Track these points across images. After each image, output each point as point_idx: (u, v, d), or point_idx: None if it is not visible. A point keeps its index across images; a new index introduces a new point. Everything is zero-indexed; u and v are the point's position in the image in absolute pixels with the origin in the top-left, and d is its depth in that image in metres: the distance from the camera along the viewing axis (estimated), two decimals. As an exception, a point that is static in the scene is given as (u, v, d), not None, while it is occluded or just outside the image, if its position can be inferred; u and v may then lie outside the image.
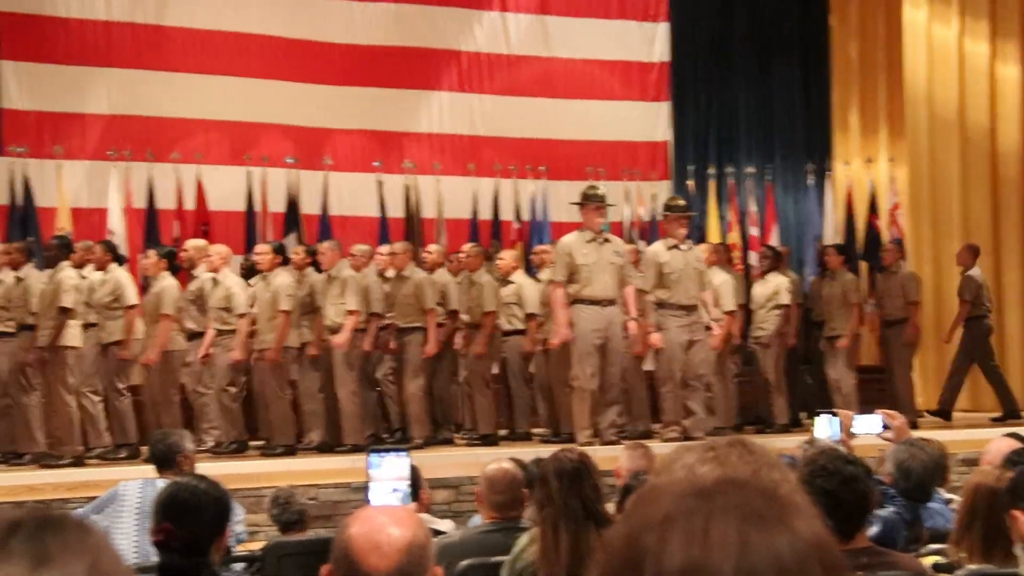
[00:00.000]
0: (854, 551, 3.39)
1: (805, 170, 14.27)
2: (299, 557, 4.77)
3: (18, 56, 11.92)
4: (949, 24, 12.93)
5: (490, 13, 13.91)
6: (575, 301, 9.29)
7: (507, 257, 10.77)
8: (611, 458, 6.16)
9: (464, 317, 10.44)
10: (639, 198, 13.87)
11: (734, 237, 13.49)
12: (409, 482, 4.12)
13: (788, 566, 0.97)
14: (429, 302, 9.91)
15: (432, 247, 11.01)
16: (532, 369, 10.56)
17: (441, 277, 10.40)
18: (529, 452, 6.36)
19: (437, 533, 4.80)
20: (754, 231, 13.69)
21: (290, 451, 9.50)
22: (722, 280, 10.66)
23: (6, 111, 11.88)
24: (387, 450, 3.96)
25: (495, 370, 10.63)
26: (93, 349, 9.46)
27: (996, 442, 5.22)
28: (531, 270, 11.26)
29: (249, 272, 10.47)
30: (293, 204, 12.48)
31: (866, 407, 7.55)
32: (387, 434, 10.38)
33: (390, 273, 10.32)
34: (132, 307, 9.45)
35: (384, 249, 10.72)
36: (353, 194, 13.14)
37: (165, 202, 12.01)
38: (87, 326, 9.43)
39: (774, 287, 10.97)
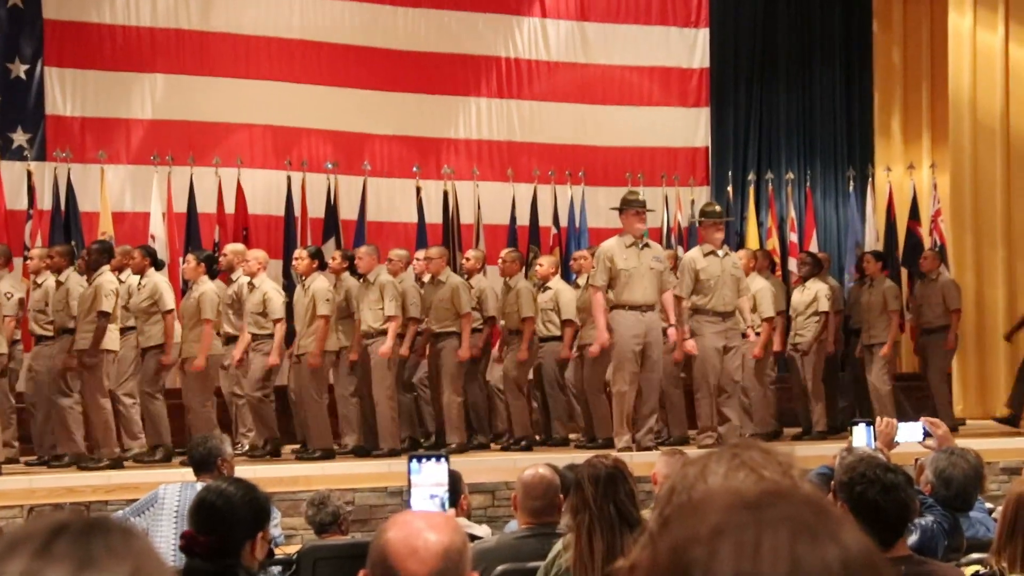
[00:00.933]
0: (894, 560, 3.35)
1: (846, 176, 14.19)
2: (334, 561, 4.78)
3: (63, 63, 12.06)
4: (995, 30, 12.81)
5: (530, 19, 13.92)
6: (615, 307, 9.28)
7: (545, 263, 10.77)
8: (649, 464, 6.14)
9: (501, 322, 10.45)
10: (678, 204, 13.83)
11: (773, 243, 13.42)
12: (448, 488, 4.13)
13: None
14: (464, 307, 9.92)
15: (470, 253, 11.02)
16: (568, 375, 10.55)
17: (479, 283, 10.41)
18: (565, 458, 6.34)
19: (474, 538, 4.80)
20: (793, 237, 13.61)
21: (328, 455, 9.53)
22: (761, 286, 10.61)
23: (50, 117, 12.00)
24: (427, 456, 3.97)
25: (530, 376, 10.63)
26: (131, 353, 9.53)
27: (1038, 451, 5.16)
28: (569, 276, 11.24)
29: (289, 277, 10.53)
30: (332, 209, 12.53)
31: (904, 415, 7.50)
32: (423, 438, 10.39)
33: (426, 278, 10.33)
34: (170, 312, 9.51)
35: (420, 254, 10.75)
36: (391, 199, 13.19)
37: (206, 206, 12.09)
38: (124, 330, 9.51)
39: (813, 294, 10.91)
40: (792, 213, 13.81)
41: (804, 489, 1.07)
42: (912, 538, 3.98)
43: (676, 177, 14.00)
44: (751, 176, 14.10)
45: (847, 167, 14.27)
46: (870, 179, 13.99)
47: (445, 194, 12.99)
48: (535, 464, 4.65)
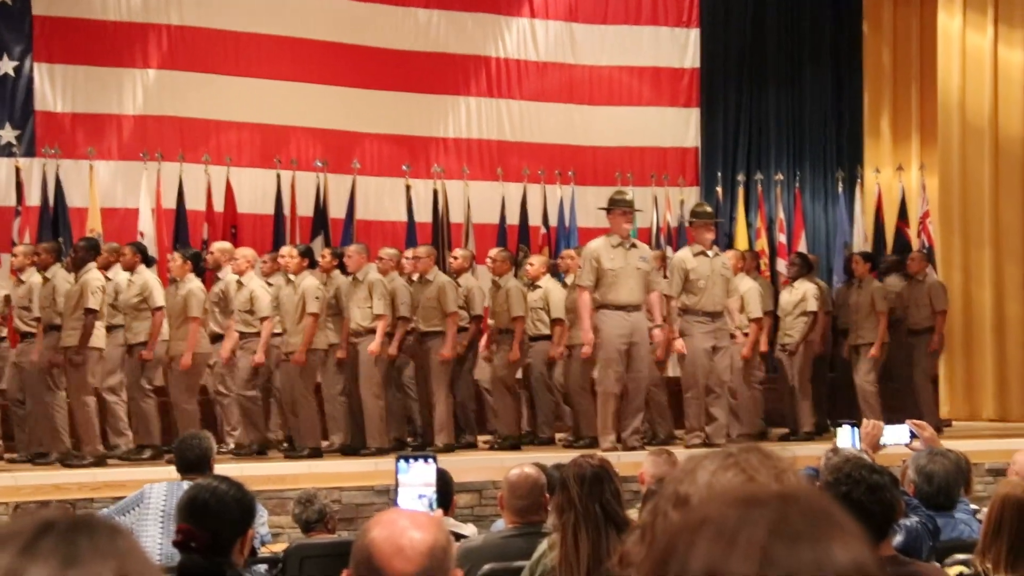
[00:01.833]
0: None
1: (835, 177, 14.22)
2: (321, 559, 4.77)
3: (52, 58, 12.03)
4: (984, 32, 12.85)
5: (519, 20, 13.93)
6: (600, 306, 9.28)
7: (535, 262, 10.77)
8: (635, 464, 6.15)
9: (490, 321, 10.45)
10: (668, 204, 13.85)
11: (762, 244, 13.44)
12: (437, 489, 4.13)
13: None
14: (451, 305, 9.91)
15: (458, 252, 11.02)
16: (556, 374, 10.56)
17: (466, 282, 10.41)
18: (553, 457, 6.35)
19: (460, 537, 4.80)
20: (782, 238, 13.64)
21: (316, 453, 9.52)
22: (749, 287, 10.63)
23: (39, 113, 11.98)
24: (415, 456, 3.97)
25: (519, 375, 10.64)
26: (117, 350, 9.52)
27: (1022, 452, 5.18)
28: (558, 275, 11.25)
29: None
30: (321, 207, 12.53)
31: (890, 416, 7.52)
32: (411, 437, 10.38)
33: (415, 277, 10.33)
34: (159, 309, 9.50)
35: (408, 253, 10.74)
36: (381, 198, 13.19)
37: (195, 203, 12.08)
38: (111, 327, 9.49)
39: (801, 294, 10.93)
40: (781, 214, 13.84)
41: (804, 494, 1.07)
42: (897, 539, 3.99)
43: (666, 177, 14.01)
44: (741, 176, 14.13)
45: (836, 168, 14.30)
46: (859, 180, 14.02)
47: (435, 193, 12.99)
48: (521, 463, 4.65)
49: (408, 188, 13.00)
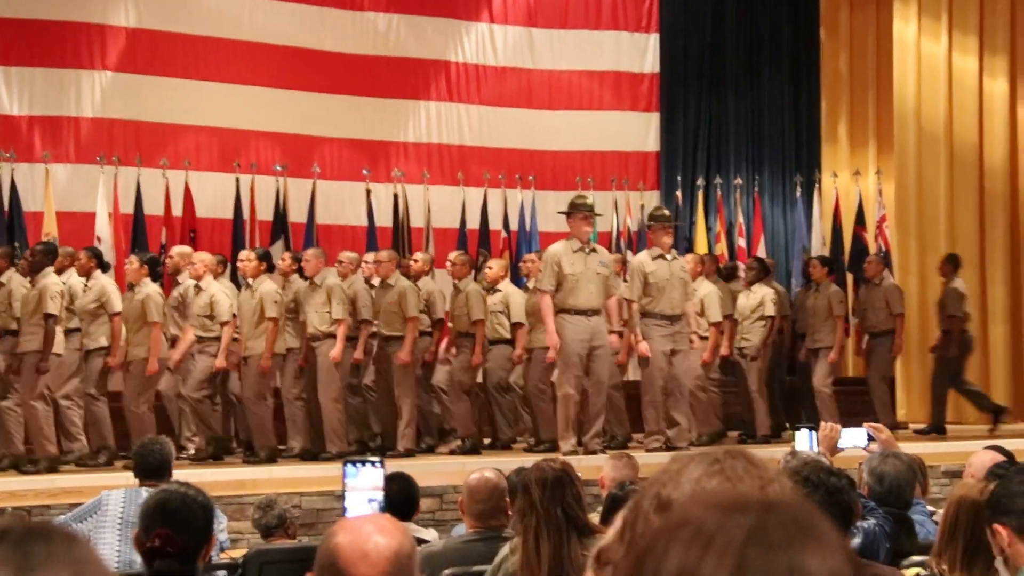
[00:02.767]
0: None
1: (794, 182, 14.32)
2: (281, 565, 4.74)
3: (8, 60, 11.91)
4: (938, 39, 12.99)
5: (478, 25, 13.94)
6: (560, 311, 9.29)
7: (495, 266, 10.78)
8: (596, 467, 6.16)
9: (449, 325, 10.45)
10: (628, 208, 13.90)
11: (722, 248, 13.52)
12: (384, 491, 4.12)
13: None
14: (412, 310, 9.89)
15: (418, 255, 11.00)
16: (513, 379, 10.57)
17: (427, 285, 10.40)
18: (514, 461, 6.35)
19: (421, 542, 4.79)
20: (741, 242, 13.72)
21: (272, 457, 9.47)
22: (708, 291, 10.68)
23: (-6, 115, 11.86)
24: (363, 461, 3.95)
25: (479, 379, 10.65)
26: (72, 355, 9.43)
27: (979, 454, 5.24)
28: (519, 280, 11.26)
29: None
30: (281, 212, 12.48)
31: (848, 419, 7.57)
32: (371, 441, 10.34)
33: (375, 281, 10.31)
34: (117, 314, 9.42)
35: (369, 257, 10.72)
36: (341, 202, 13.16)
37: (153, 208, 11.99)
38: (68, 332, 9.40)
39: (759, 298, 11.00)
40: (740, 218, 13.93)
41: (786, 503, 1.08)
42: (855, 541, 4.03)
43: (626, 181, 14.07)
44: (700, 181, 14.21)
45: (795, 173, 14.41)
46: (817, 185, 14.13)
47: (395, 197, 12.98)
48: (482, 468, 4.65)
49: (368, 192, 12.98)
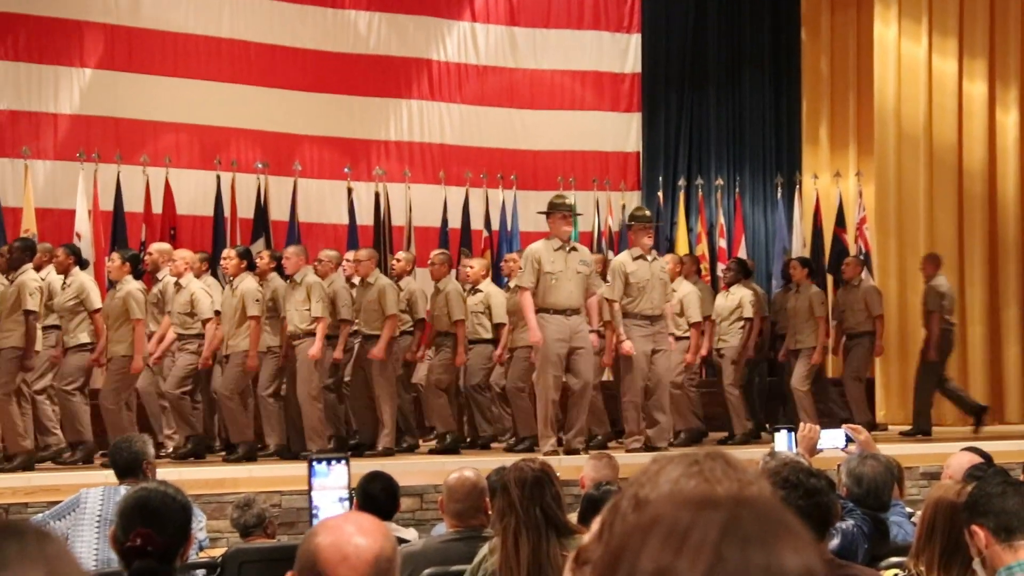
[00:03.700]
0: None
1: (775, 183, 14.36)
2: (260, 564, 4.73)
3: (-14, 55, 11.86)
4: (919, 42, 13.05)
5: (460, 23, 13.94)
6: (540, 310, 9.29)
7: (476, 265, 10.78)
8: (576, 468, 6.17)
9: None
10: (609, 208, 13.92)
11: (703, 248, 13.55)
12: (364, 491, 4.11)
13: None
14: (390, 308, 9.88)
15: (400, 254, 10.99)
16: (492, 378, 10.57)
17: (408, 285, 10.39)
18: (495, 461, 6.35)
19: (401, 541, 4.79)
20: (722, 243, 13.76)
21: (251, 454, 9.44)
22: (688, 291, 10.70)
23: (-27, 111, 11.81)
24: (329, 459, 3.93)
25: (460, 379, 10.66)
26: (50, 351, 9.40)
27: (957, 456, 5.26)
28: (500, 279, 11.26)
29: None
30: (262, 210, 12.45)
31: (826, 420, 7.61)
32: (351, 437, 10.30)
33: (356, 280, 10.29)
34: (97, 311, 9.38)
35: (350, 255, 10.70)
36: (322, 201, 13.14)
37: (133, 205, 11.95)
38: (45, 328, 9.36)
39: (738, 300, 11.02)
40: (721, 219, 13.96)
41: (758, 499, 1.08)
42: (834, 542, 4.04)
43: (607, 181, 14.08)
44: (681, 181, 14.24)
45: (775, 174, 14.45)
46: (797, 186, 14.18)
47: (376, 196, 12.96)
48: (461, 467, 4.65)
49: (350, 191, 12.96)
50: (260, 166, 12.60)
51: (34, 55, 11.98)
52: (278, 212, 12.62)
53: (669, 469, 1.51)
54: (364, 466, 7.20)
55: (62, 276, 9.50)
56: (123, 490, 4.85)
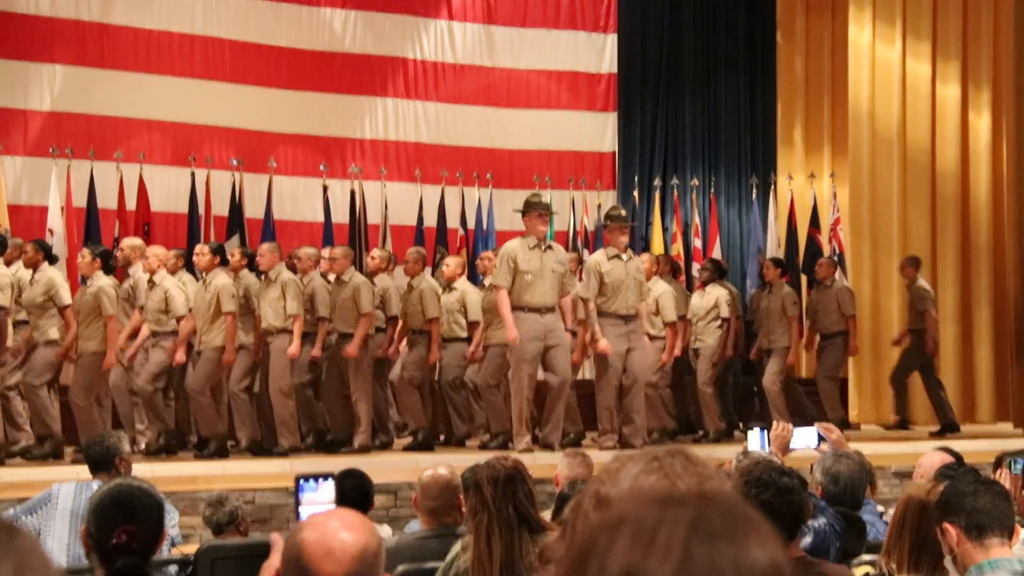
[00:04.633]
0: (785, 561, 3.41)
1: (750, 183, 14.41)
2: (233, 560, 4.72)
3: (-42, 51, 11.77)
4: (893, 45, 13.12)
5: (437, 22, 13.93)
6: (515, 308, 9.30)
7: (451, 264, 10.78)
8: (551, 465, 6.18)
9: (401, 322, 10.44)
10: (585, 208, 13.94)
11: (678, 248, 13.59)
12: (338, 488, 4.10)
13: None
14: (365, 306, 9.87)
15: (375, 252, 10.98)
16: (467, 376, 10.58)
17: (382, 282, 10.38)
18: (469, 459, 6.35)
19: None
20: (697, 243, 13.80)
21: (222, 448, 9.40)
22: (663, 291, 10.73)
23: (-55, 106, 11.72)
24: (315, 476, 3.94)
25: (436, 376, 10.66)
26: (18, 346, 9.35)
27: (928, 456, 5.31)
28: (475, 278, 11.26)
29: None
30: (237, 207, 12.41)
31: (798, 419, 7.65)
32: (327, 432, 10.25)
33: (331, 278, 10.27)
34: (67, 307, 9.33)
35: (325, 253, 10.68)
36: (298, 198, 13.11)
37: (107, 201, 11.88)
38: (15, 324, 9.30)
39: (713, 300, 11.06)
40: (696, 219, 14.00)
41: (721, 495, 1.08)
42: (806, 540, 4.06)
43: (583, 181, 14.10)
44: (657, 181, 14.27)
45: (750, 175, 14.50)
46: (772, 187, 14.23)
47: (352, 194, 12.94)
48: (436, 465, 4.66)
49: (325, 189, 12.94)
50: (235, 163, 12.56)
51: (4, 52, 11.90)
52: (253, 210, 12.58)
53: (629, 466, 1.52)
54: (339, 463, 7.20)
55: (31, 271, 9.43)
56: (95, 485, 4.83)
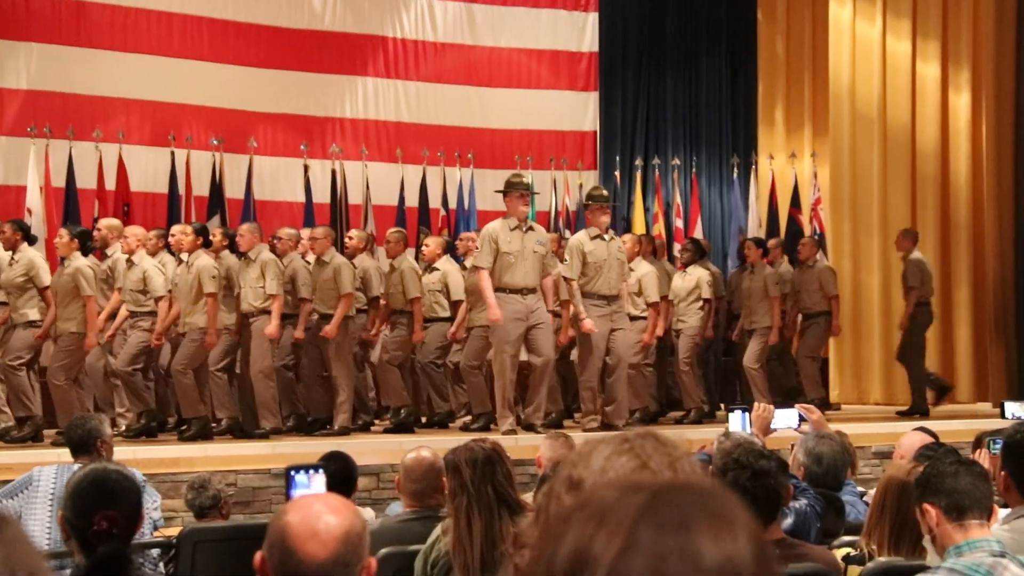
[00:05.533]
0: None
1: (731, 163, 14.42)
2: (216, 543, 4.72)
3: (-66, 29, 11.66)
4: (873, 22, 13.13)
5: (417, 0, 13.86)
6: (496, 289, 9.29)
7: (432, 244, 10.76)
8: (534, 447, 6.19)
9: (383, 302, 10.42)
10: (566, 187, 13.93)
11: (659, 228, 13.60)
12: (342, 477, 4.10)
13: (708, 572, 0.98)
14: (345, 287, 9.84)
15: (354, 232, 10.94)
16: (449, 357, 10.58)
17: (363, 263, 10.36)
18: (451, 440, 6.36)
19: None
20: (679, 223, 13.81)
21: (205, 430, 9.38)
22: (646, 271, 10.73)
23: (-79, 85, 11.61)
24: (306, 468, 3.93)
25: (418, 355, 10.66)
26: None
27: (908, 436, 5.34)
28: (457, 258, 11.25)
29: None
30: (217, 187, 12.35)
31: (779, 400, 7.66)
32: (308, 415, 10.24)
33: (311, 258, 10.24)
34: (47, 287, 9.28)
35: (305, 233, 10.64)
36: (278, 178, 13.05)
37: (85, 181, 11.81)
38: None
39: (695, 280, 11.07)
40: (678, 199, 14.01)
41: (690, 485, 1.08)
42: (787, 521, 4.09)
43: (564, 161, 14.08)
44: (638, 161, 14.26)
45: (731, 154, 14.51)
46: (753, 167, 14.25)
47: (333, 174, 12.90)
48: (418, 447, 4.66)
49: (306, 168, 12.89)
50: (215, 143, 12.49)
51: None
52: (233, 190, 12.52)
53: (601, 448, 1.52)
54: (322, 445, 7.20)
55: (10, 252, 9.38)
56: (76, 468, 4.82)
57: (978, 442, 5.16)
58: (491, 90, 14.11)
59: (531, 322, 9.30)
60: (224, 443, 9.28)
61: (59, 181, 11.68)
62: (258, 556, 2.15)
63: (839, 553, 3.93)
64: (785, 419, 5.40)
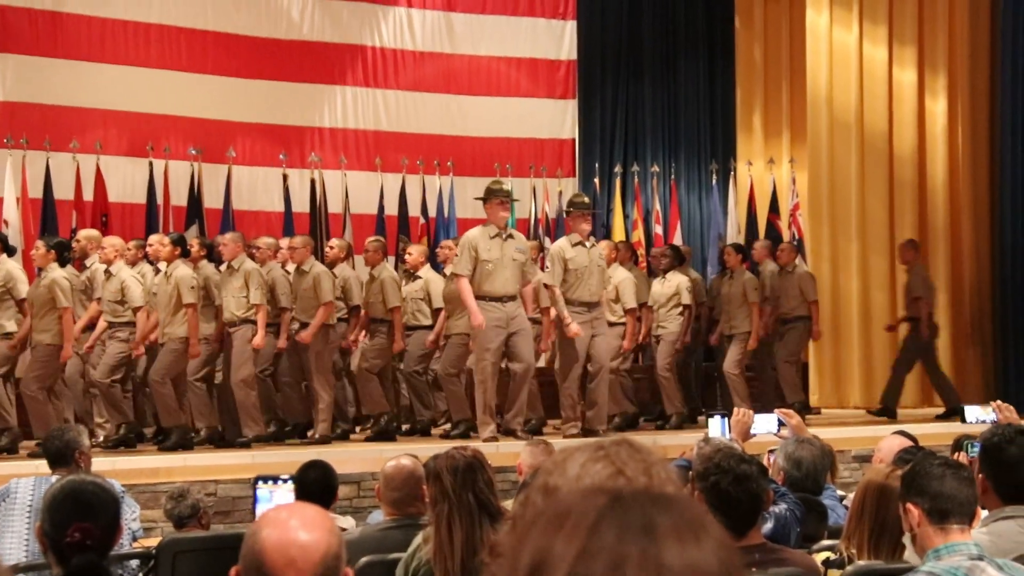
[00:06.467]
0: (747, 548, 3.44)
1: (710, 170, 14.46)
2: (195, 554, 4.70)
3: (-90, 40, 11.59)
4: (850, 29, 13.20)
5: (396, 9, 13.86)
6: (476, 297, 9.29)
7: (415, 252, 10.75)
8: (515, 454, 6.18)
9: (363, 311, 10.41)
10: (546, 195, 13.94)
11: (639, 235, 13.62)
12: (300, 479, 4.08)
13: None
14: (325, 296, 9.83)
15: (334, 241, 10.94)
16: (432, 365, 10.57)
17: (342, 272, 10.34)
18: (431, 448, 6.35)
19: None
20: (658, 229, 13.84)
21: (185, 439, 9.34)
22: (623, 278, 10.74)
23: None
24: (274, 478, 3.91)
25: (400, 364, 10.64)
26: None
27: (887, 440, 5.36)
28: (437, 266, 11.25)
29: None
30: (196, 197, 12.32)
31: (758, 405, 7.70)
32: (287, 425, 10.22)
33: (290, 267, 10.22)
34: (24, 300, 9.22)
35: (284, 243, 10.63)
36: (257, 188, 13.02)
37: (63, 192, 11.76)
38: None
39: (674, 286, 11.08)
40: (657, 205, 14.04)
41: (658, 493, 1.07)
42: (767, 526, 4.09)
43: (544, 168, 14.09)
44: (618, 168, 14.28)
45: (710, 161, 14.54)
46: (732, 173, 14.29)
47: (312, 183, 12.88)
48: (399, 455, 4.65)
49: (285, 178, 12.86)
50: (194, 153, 12.46)
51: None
52: (212, 199, 12.49)
53: (576, 456, 1.53)
54: (301, 454, 7.19)
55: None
56: (54, 479, 4.79)
57: (957, 445, 5.18)
58: (470, 98, 14.11)
59: (511, 329, 9.31)
60: (204, 453, 9.24)
61: (36, 192, 11.63)
62: (233, 572, 2.13)
63: (819, 557, 3.94)
64: (765, 424, 5.41)
